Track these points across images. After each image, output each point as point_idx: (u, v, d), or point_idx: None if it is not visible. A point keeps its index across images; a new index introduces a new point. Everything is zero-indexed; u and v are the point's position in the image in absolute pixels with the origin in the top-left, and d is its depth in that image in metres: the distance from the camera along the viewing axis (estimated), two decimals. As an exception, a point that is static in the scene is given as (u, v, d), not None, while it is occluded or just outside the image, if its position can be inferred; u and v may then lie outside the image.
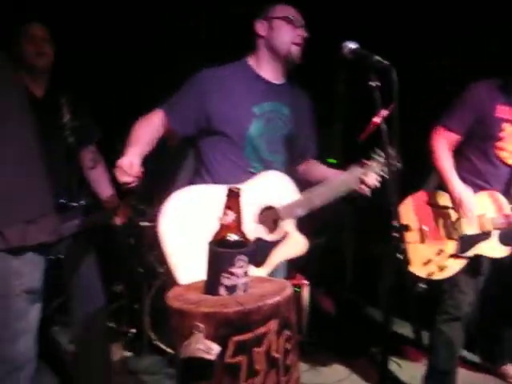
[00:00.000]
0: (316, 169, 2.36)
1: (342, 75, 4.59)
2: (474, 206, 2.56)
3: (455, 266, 2.65)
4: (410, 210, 2.75)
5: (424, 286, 2.70)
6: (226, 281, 1.23)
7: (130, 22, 3.92)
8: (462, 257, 2.63)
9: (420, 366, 2.92)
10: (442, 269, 2.64)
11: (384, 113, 1.76)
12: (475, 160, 2.65)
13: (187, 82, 2.11)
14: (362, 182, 2.08)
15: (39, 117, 2.45)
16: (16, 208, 1.55)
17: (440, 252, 2.66)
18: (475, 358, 3.48)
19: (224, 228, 1.26)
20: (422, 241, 2.67)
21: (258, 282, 1.37)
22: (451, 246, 2.64)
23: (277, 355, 1.22)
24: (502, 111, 2.62)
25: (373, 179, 2.08)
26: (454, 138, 2.66)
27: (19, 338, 1.54)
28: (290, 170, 2.24)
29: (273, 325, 1.20)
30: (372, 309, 4.37)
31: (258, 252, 1.94)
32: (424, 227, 2.69)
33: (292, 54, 2.14)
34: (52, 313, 3.91)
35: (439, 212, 2.69)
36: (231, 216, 1.25)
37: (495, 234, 2.64)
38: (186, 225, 1.82)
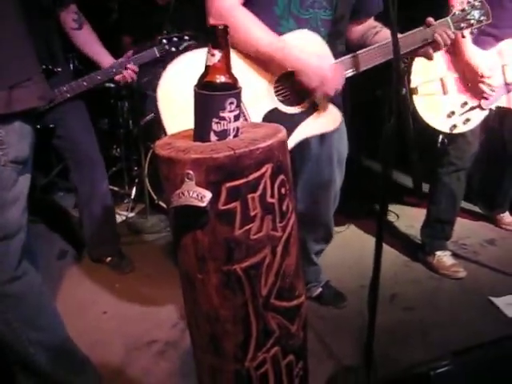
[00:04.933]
0: (377, 33, 1.98)
1: None
2: (489, 72, 2.42)
3: (478, 117, 2.55)
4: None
5: (446, 140, 2.61)
6: (216, 126, 1.16)
7: None
8: (486, 108, 2.52)
9: (417, 216, 2.98)
10: (465, 122, 2.53)
11: None
12: None
13: None
14: (429, 41, 1.80)
15: None
16: None
17: (464, 104, 2.52)
18: (473, 208, 3.56)
19: (210, 70, 1.15)
20: (445, 92, 2.51)
21: (250, 127, 1.30)
22: (478, 97, 2.51)
23: (272, 200, 1.19)
24: None
25: (443, 38, 1.79)
26: None
27: (8, 207, 1.51)
28: (340, 31, 1.90)
29: (267, 169, 1.15)
30: (373, 162, 4.40)
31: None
32: (447, 77, 2.50)
33: None
34: (55, 179, 3.95)
35: (464, 61, 2.48)
36: (218, 56, 1.14)
37: None
38: (183, 89, 1.60)
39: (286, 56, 1.71)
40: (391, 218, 3.45)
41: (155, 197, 3.53)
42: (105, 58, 2.62)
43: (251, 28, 1.70)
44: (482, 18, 1.87)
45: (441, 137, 2.58)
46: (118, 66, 2.58)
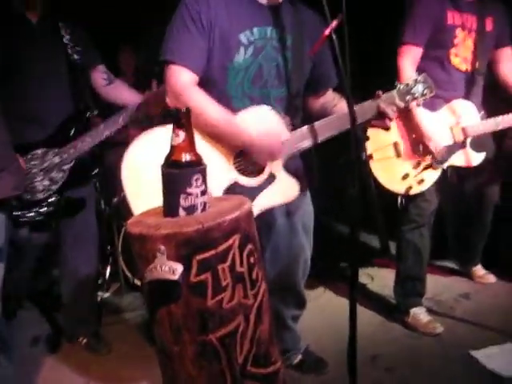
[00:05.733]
0: (335, 105, 2.05)
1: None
2: (433, 134, 2.57)
3: (431, 177, 2.67)
4: None
5: (403, 200, 2.72)
6: (184, 201, 1.23)
7: None
8: (438, 168, 2.65)
9: (391, 276, 3.03)
10: (419, 182, 2.65)
11: (334, 24, 1.70)
12: (431, 71, 2.43)
13: (184, 15, 1.83)
14: (379, 112, 1.89)
15: (35, 41, 2.43)
16: None
17: (417, 165, 2.65)
18: (447, 263, 3.63)
19: (175, 149, 1.23)
20: (398, 155, 2.65)
21: (217, 200, 1.37)
22: (427, 158, 2.63)
23: (241, 269, 1.23)
24: (452, 17, 2.61)
25: (390, 110, 1.90)
26: (419, 52, 2.61)
27: None
28: (295, 106, 2.01)
29: (234, 240, 1.21)
30: (340, 224, 4.48)
31: None
32: (398, 141, 2.64)
33: None
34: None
35: (413, 126, 2.63)
36: (182, 136, 1.22)
37: (468, 143, 2.68)
38: (146, 168, 1.69)
39: (236, 134, 1.79)
40: (365, 279, 3.49)
41: (130, 275, 3.52)
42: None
43: (204, 106, 1.78)
44: (425, 92, 1.98)
45: (399, 198, 2.69)
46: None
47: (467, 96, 2.69)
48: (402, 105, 1.93)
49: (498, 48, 2.76)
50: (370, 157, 2.57)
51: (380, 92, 1.91)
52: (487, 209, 3.11)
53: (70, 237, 2.71)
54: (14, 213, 2.29)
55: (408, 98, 1.96)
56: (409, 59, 2.58)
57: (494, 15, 2.69)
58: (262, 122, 1.84)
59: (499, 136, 2.87)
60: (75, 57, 2.54)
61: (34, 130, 2.43)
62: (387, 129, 2.00)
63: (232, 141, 1.82)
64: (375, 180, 2.58)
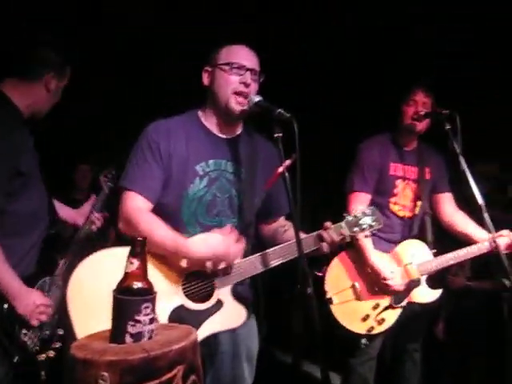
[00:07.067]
0: (285, 231, 2.13)
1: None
2: (389, 274, 2.66)
3: (392, 316, 2.73)
4: (340, 270, 2.75)
5: (366, 341, 2.72)
6: (132, 328, 1.25)
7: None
8: (397, 307, 2.72)
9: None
10: (380, 322, 2.70)
11: (287, 162, 1.82)
12: None
13: (143, 146, 1.95)
14: (322, 242, 1.97)
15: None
16: None
17: (376, 306, 2.70)
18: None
19: (128, 276, 1.28)
20: (357, 298, 2.70)
21: (164, 329, 1.39)
22: (386, 298, 2.71)
23: (183, 401, 1.24)
24: (394, 169, 2.85)
25: (333, 240, 1.98)
26: (368, 198, 2.78)
27: None
28: (246, 235, 2.05)
29: (179, 370, 1.22)
30: (282, 354, 4.43)
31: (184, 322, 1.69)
32: (356, 284, 2.71)
33: (231, 106, 1.95)
34: None
35: (369, 268, 2.71)
36: (136, 264, 1.27)
37: (424, 280, 2.77)
38: (94, 290, 1.69)
39: (185, 252, 1.81)
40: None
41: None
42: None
43: (153, 227, 1.84)
44: (373, 224, 2.08)
45: (362, 340, 2.69)
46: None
47: (403, 239, 2.85)
48: (348, 234, 2.02)
49: (436, 193, 2.98)
50: (330, 301, 2.63)
51: (329, 223, 2.00)
52: (416, 345, 3.07)
53: None
54: None
55: (356, 229, 2.05)
56: (359, 205, 2.71)
57: (430, 166, 2.93)
58: (211, 243, 1.86)
59: (441, 273, 2.93)
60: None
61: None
62: (323, 253, 2.04)
63: (180, 259, 1.84)
64: (337, 323, 2.62)
